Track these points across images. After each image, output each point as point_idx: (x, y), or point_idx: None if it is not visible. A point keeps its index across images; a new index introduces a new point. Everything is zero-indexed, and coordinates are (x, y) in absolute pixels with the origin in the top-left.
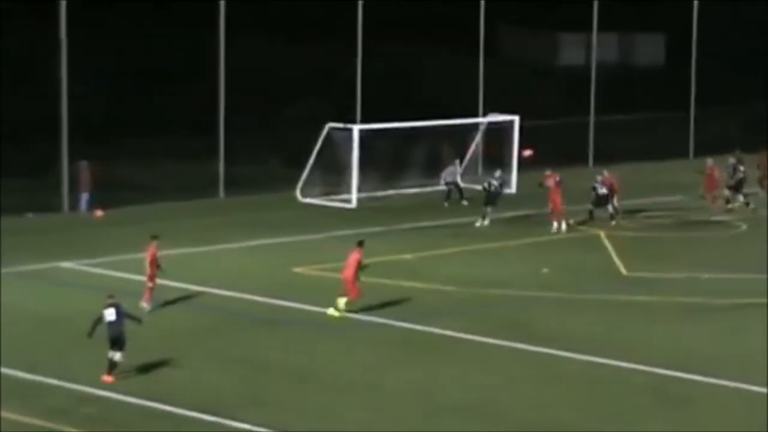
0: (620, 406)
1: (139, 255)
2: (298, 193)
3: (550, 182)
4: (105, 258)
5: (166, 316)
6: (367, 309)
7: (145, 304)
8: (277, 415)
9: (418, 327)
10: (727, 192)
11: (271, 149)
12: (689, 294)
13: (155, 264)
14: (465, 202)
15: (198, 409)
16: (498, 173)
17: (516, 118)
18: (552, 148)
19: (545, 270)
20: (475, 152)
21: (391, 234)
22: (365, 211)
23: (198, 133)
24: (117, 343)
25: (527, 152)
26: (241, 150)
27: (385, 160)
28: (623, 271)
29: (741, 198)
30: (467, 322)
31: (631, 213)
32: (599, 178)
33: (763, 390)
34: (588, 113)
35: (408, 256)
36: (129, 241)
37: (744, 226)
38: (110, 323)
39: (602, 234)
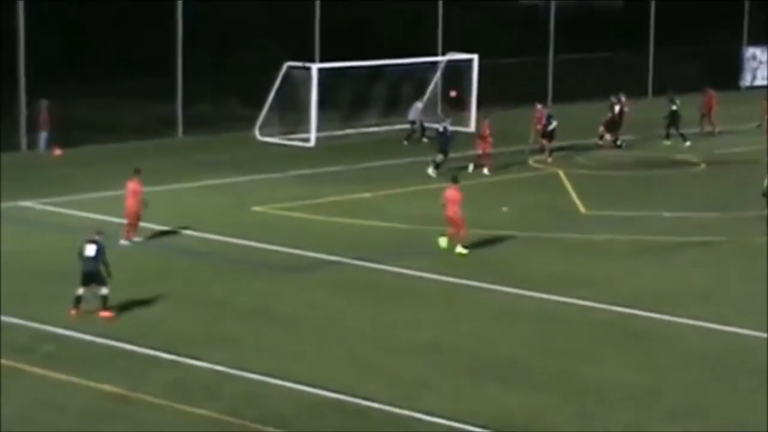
0: (576, 343)
1: (98, 194)
2: (256, 132)
3: (485, 129)
4: (65, 197)
5: (126, 256)
6: (326, 248)
7: (124, 242)
8: (237, 353)
9: (377, 266)
10: (601, 129)
11: (229, 90)
12: (649, 232)
13: (139, 200)
14: (426, 140)
15: (158, 348)
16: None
17: (475, 57)
18: (511, 86)
19: (504, 209)
20: (434, 92)
21: (351, 173)
22: (324, 150)
23: (156, 74)
24: (90, 279)
25: (453, 92)
26: (199, 91)
27: (344, 99)
28: (582, 209)
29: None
30: (426, 260)
31: (588, 150)
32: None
33: (717, 326)
34: (547, 52)
35: (367, 195)
36: (88, 181)
37: (703, 165)
38: (87, 258)
39: (561, 173)
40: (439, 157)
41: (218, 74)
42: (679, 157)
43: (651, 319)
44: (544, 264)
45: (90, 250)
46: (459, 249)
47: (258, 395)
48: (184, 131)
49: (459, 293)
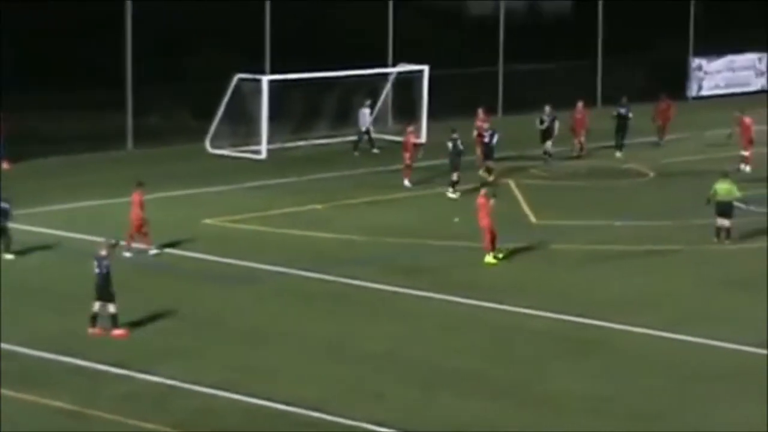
0: (530, 352)
1: (45, 209)
2: (207, 144)
3: (412, 138)
4: (14, 211)
5: (77, 270)
6: (279, 260)
7: (153, 251)
8: (191, 366)
9: (328, 277)
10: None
11: (179, 100)
12: (600, 241)
13: (142, 210)
14: (376, 151)
15: (110, 363)
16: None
17: (425, 68)
18: (461, 97)
19: (456, 219)
20: (385, 103)
21: (302, 184)
22: (275, 162)
23: (105, 84)
24: (100, 295)
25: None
26: (149, 101)
27: (295, 110)
28: (533, 219)
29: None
30: (377, 271)
31: (538, 161)
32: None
33: (668, 334)
34: (497, 62)
35: (318, 206)
36: (37, 195)
37: (651, 174)
38: (96, 274)
39: (512, 183)
40: (455, 176)
41: (168, 84)
42: (629, 166)
43: (603, 327)
44: (496, 274)
45: (95, 265)
46: (487, 258)
47: (211, 408)
48: (135, 143)
49: (413, 304)
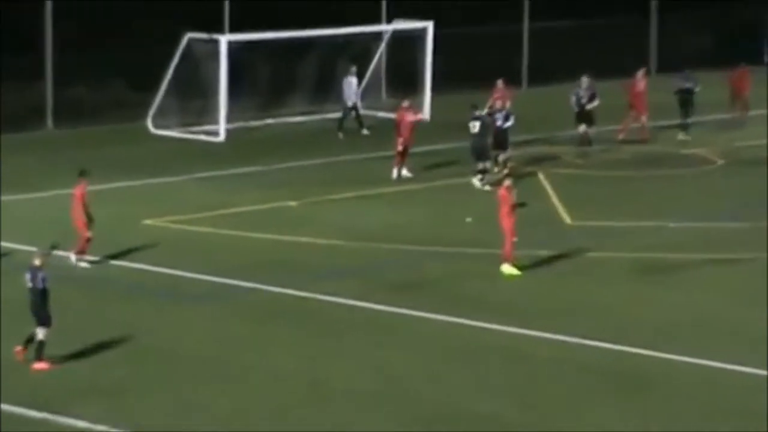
0: (556, 392)
1: None
2: (149, 123)
3: (409, 116)
4: None
5: None
6: (240, 272)
7: (74, 258)
8: (123, 406)
9: (303, 293)
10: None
11: (113, 68)
12: (650, 248)
13: (86, 208)
14: (365, 131)
15: (24, 404)
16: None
17: (429, 25)
18: (473, 64)
19: (468, 219)
20: (377, 70)
21: (271, 175)
22: (237, 146)
23: (17, 48)
24: (33, 315)
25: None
26: (73, 69)
27: (263, 80)
28: (567, 219)
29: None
30: (365, 285)
31: (574, 145)
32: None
33: (732, 366)
34: (521, 18)
35: (292, 203)
36: None
37: (719, 161)
38: (29, 290)
39: (540, 174)
40: (483, 164)
41: (98, 47)
42: (690, 152)
43: (655, 359)
44: (514, 289)
45: (27, 278)
46: (505, 268)
47: None
48: (55, 121)
49: (405, 326)
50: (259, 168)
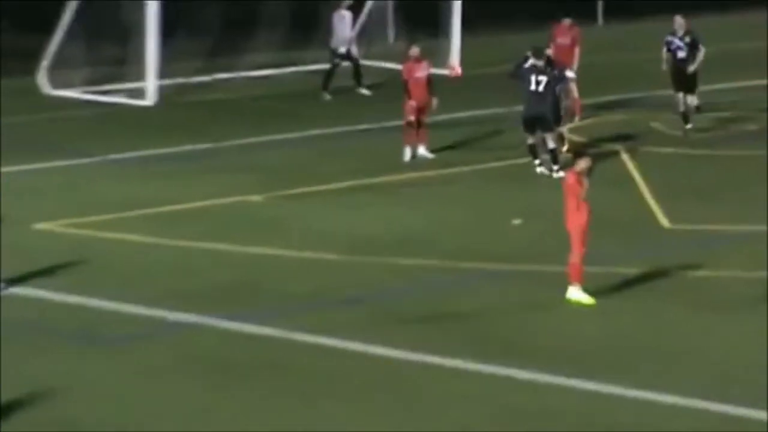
0: None
1: None
2: (42, 79)
3: (419, 72)
4: None
5: None
6: (175, 298)
7: None
8: None
9: (273, 331)
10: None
11: None
12: None
13: None
14: (364, 90)
15: None
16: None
17: None
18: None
19: (516, 221)
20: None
21: (224, 156)
22: (173, 113)
23: None
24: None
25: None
26: None
27: (210, 16)
28: (664, 221)
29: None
30: (364, 321)
31: (669, 112)
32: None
33: None
34: None
35: (255, 198)
36: None
37: None
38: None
39: (623, 152)
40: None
41: None
42: None
43: None
44: (583, 325)
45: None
46: (572, 293)
47: None
48: None
49: (433, 382)
50: (206, 146)
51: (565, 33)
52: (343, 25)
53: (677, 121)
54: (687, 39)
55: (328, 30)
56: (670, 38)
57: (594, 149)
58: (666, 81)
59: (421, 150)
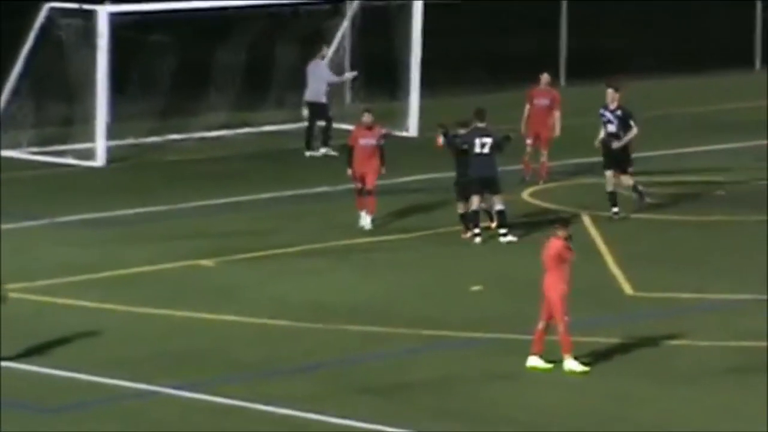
0: None
1: None
2: None
3: (368, 140)
4: None
5: None
6: (127, 368)
7: None
8: None
9: (224, 401)
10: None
11: None
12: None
13: None
14: (332, 152)
15: None
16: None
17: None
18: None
19: (475, 288)
20: (337, 57)
21: (174, 218)
22: (123, 175)
23: None
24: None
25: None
26: None
27: (163, 73)
28: (626, 288)
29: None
30: (320, 389)
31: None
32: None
33: None
34: None
35: (206, 263)
36: None
37: None
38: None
39: (586, 216)
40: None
41: None
42: None
43: None
44: (547, 395)
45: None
46: (568, 364)
47: None
48: None
49: None
50: (156, 208)
51: (543, 94)
52: (321, 74)
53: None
54: (618, 113)
55: (303, 81)
56: (602, 111)
57: (553, 215)
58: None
59: (364, 218)
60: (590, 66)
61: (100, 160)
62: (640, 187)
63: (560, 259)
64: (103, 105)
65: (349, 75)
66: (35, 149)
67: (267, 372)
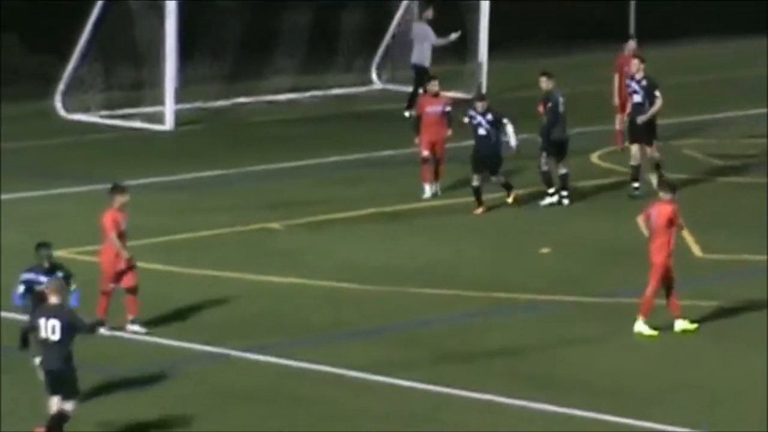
0: None
1: None
2: (57, 103)
3: (435, 108)
4: None
5: None
6: (198, 329)
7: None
8: None
9: (293, 363)
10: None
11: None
12: None
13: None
14: (406, 114)
15: None
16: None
17: None
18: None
19: (544, 250)
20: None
21: (243, 182)
22: (191, 138)
23: None
24: (57, 384)
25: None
26: None
27: (230, 38)
28: (696, 250)
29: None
30: (383, 353)
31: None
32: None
33: None
34: None
35: (275, 226)
36: None
37: None
38: (49, 345)
39: (655, 179)
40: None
41: None
42: None
43: None
44: (618, 359)
45: (51, 328)
46: (637, 326)
47: None
48: None
49: (443, 415)
50: (224, 171)
51: (629, 62)
52: (424, 36)
53: (709, 146)
54: (644, 83)
55: (412, 43)
56: (627, 81)
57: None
58: (695, 105)
59: (428, 190)
60: (657, 29)
61: (168, 124)
62: (663, 172)
63: (671, 224)
64: (172, 69)
65: (453, 36)
66: (104, 113)
67: (335, 335)
